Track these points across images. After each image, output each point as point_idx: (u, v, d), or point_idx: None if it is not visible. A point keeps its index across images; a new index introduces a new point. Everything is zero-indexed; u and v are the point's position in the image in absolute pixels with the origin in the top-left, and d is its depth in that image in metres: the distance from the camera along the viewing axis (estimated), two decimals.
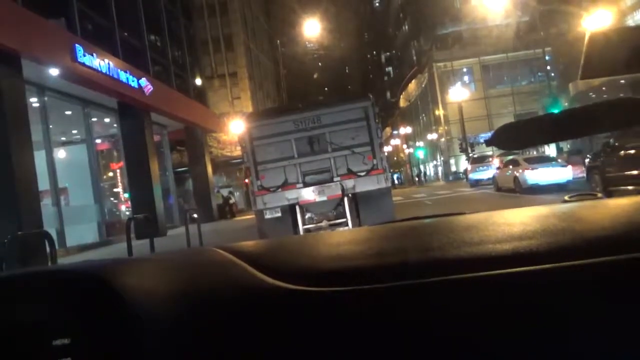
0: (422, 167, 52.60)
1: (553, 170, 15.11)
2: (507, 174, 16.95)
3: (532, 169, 15.33)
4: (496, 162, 20.75)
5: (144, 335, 0.57)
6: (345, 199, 7.99)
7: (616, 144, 9.79)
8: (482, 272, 0.58)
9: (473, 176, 24.05)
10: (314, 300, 0.59)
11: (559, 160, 17.02)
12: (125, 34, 16.95)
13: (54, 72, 11.56)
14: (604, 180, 10.25)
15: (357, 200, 8.14)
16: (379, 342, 0.56)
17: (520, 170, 15.72)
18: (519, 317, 0.55)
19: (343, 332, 0.57)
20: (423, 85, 47.22)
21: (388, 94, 72.37)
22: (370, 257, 0.69)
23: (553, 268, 0.57)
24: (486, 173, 22.40)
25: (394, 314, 0.57)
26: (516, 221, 0.80)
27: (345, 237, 0.92)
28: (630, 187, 9.14)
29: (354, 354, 0.56)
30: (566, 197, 1.05)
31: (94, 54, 12.80)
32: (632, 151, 9.09)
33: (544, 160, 16.24)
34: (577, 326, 0.54)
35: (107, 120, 16.38)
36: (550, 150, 25.04)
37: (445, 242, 0.70)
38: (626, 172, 9.21)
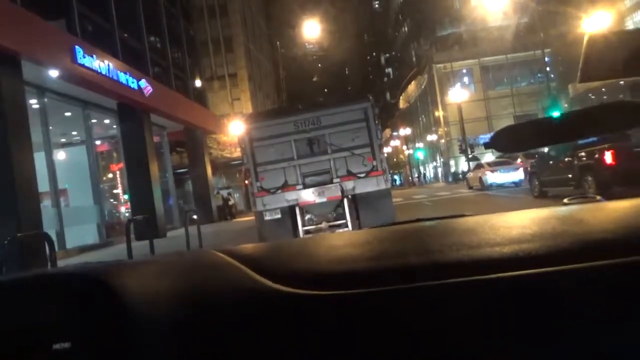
0: (421, 168, 52.61)
1: (508, 173, 18.74)
2: (475, 175, 20.56)
3: (492, 171, 18.97)
4: None
5: (144, 338, 0.58)
6: (345, 201, 7.97)
7: (548, 154, 12.04)
8: (482, 275, 0.58)
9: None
10: (314, 304, 0.59)
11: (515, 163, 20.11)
12: (125, 35, 16.97)
13: (53, 73, 11.56)
14: (539, 182, 12.39)
15: (357, 201, 8.11)
16: (379, 345, 0.56)
17: (483, 172, 19.36)
18: (519, 321, 0.55)
19: (343, 335, 0.57)
20: (423, 87, 47.23)
21: (388, 95, 72.45)
22: (370, 260, 0.69)
23: (553, 271, 0.57)
24: None
25: (394, 317, 0.57)
26: (515, 224, 0.80)
27: (345, 239, 0.91)
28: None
29: (354, 357, 0.56)
30: (565, 200, 1.04)
31: (94, 56, 12.80)
32: (556, 161, 11.32)
33: (503, 163, 19.25)
34: (577, 329, 0.54)
35: (106, 121, 16.38)
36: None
37: (445, 245, 0.70)
38: (553, 177, 11.53)
